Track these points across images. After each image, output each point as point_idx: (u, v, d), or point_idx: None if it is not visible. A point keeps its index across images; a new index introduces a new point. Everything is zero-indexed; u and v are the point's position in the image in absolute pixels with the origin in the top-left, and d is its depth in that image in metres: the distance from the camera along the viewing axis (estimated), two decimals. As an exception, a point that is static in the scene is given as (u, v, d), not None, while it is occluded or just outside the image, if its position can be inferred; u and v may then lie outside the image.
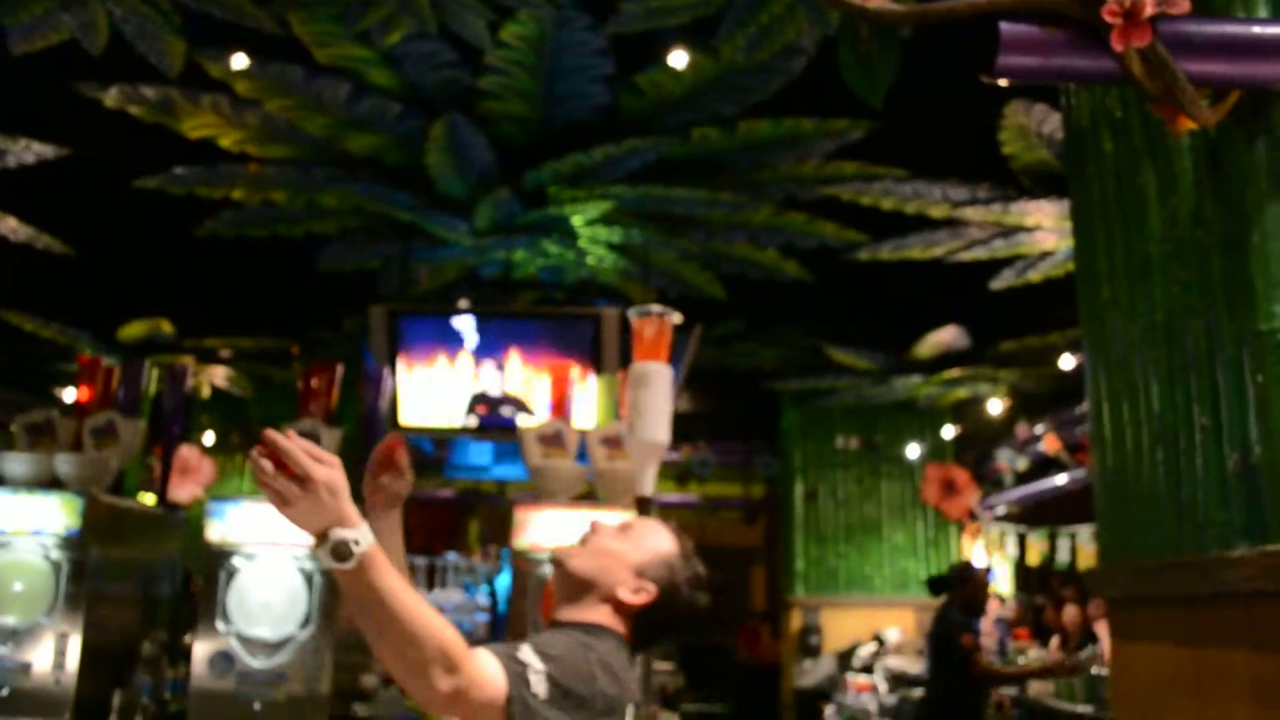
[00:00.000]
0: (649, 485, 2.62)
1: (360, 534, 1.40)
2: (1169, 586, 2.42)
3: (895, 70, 2.13)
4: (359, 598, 1.41)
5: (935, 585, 6.60)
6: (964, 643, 5.96)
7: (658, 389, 2.57)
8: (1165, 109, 2.12)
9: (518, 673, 1.52)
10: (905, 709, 6.97)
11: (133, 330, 8.83)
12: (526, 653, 1.56)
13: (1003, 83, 2.13)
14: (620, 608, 1.83)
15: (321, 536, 1.39)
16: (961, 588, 6.28)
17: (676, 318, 2.72)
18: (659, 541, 1.90)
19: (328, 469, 1.41)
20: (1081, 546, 8.11)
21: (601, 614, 1.83)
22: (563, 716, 1.57)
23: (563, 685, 1.57)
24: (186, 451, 9.09)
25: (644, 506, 2.58)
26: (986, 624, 7.62)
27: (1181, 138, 2.42)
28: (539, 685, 1.54)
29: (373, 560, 1.40)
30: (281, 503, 1.41)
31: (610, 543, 1.88)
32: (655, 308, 2.80)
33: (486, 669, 1.50)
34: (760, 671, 12.36)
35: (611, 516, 3.68)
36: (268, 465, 1.41)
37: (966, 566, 6.64)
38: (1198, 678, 2.32)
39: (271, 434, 1.42)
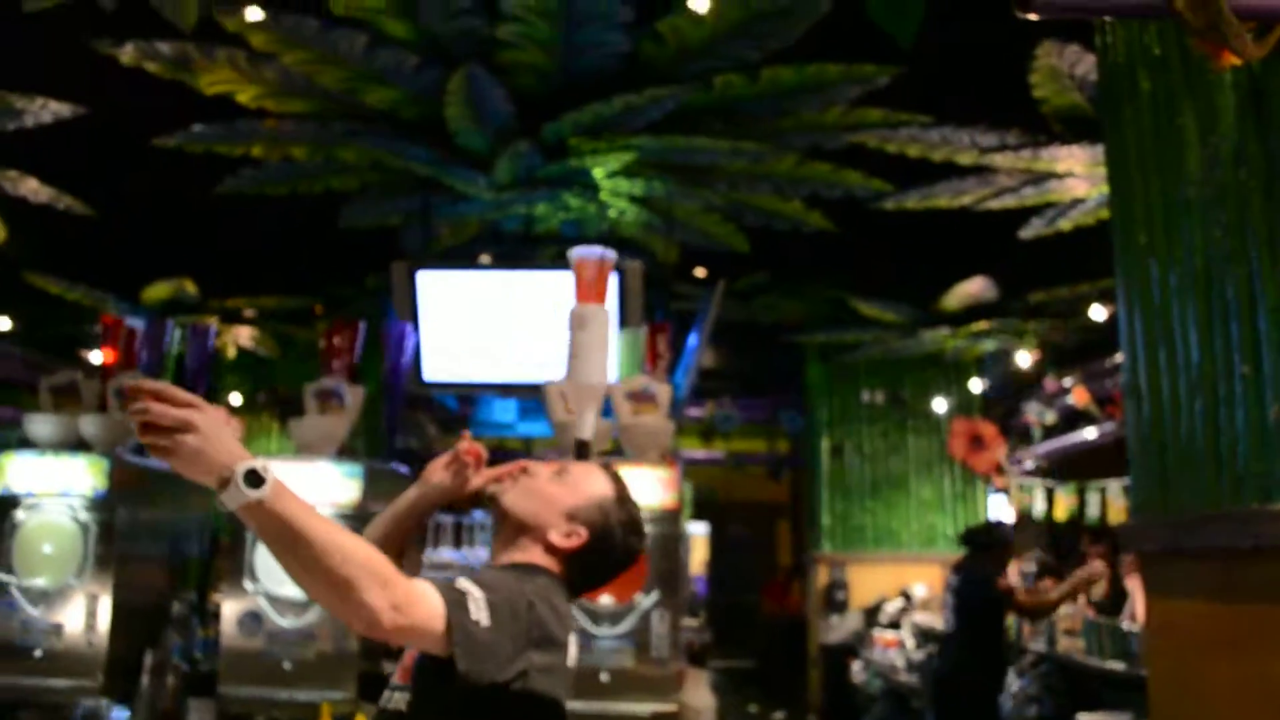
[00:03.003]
0: (589, 429, 2.59)
1: (260, 462, 1.36)
2: (1206, 539, 2.36)
3: (924, 6, 2.05)
4: (277, 530, 1.38)
5: (972, 539, 6.45)
6: (1002, 586, 5.95)
7: (596, 331, 2.54)
8: (1208, 43, 2.02)
9: (456, 600, 1.50)
10: (932, 664, 6.93)
11: (157, 291, 8.84)
12: (464, 583, 1.54)
13: (1033, 17, 2.04)
14: (552, 550, 1.83)
15: (225, 478, 1.36)
16: (1000, 549, 6.22)
17: (613, 256, 2.66)
18: (594, 485, 1.89)
19: (204, 412, 1.38)
20: (1111, 500, 8.03)
21: (534, 555, 1.83)
22: (504, 640, 1.55)
23: (502, 612, 1.55)
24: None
25: (582, 451, 2.56)
26: (1014, 577, 7.58)
27: (1224, 74, 2.33)
28: (479, 612, 1.51)
29: (283, 487, 1.37)
30: (170, 451, 1.37)
31: (544, 485, 1.87)
32: (595, 248, 2.74)
33: (421, 589, 1.48)
34: (786, 628, 12.40)
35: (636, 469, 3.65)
36: (144, 415, 1.35)
37: (1006, 529, 6.57)
38: (1235, 634, 2.26)
39: (136, 384, 1.37)
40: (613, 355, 2.61)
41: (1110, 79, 2.98)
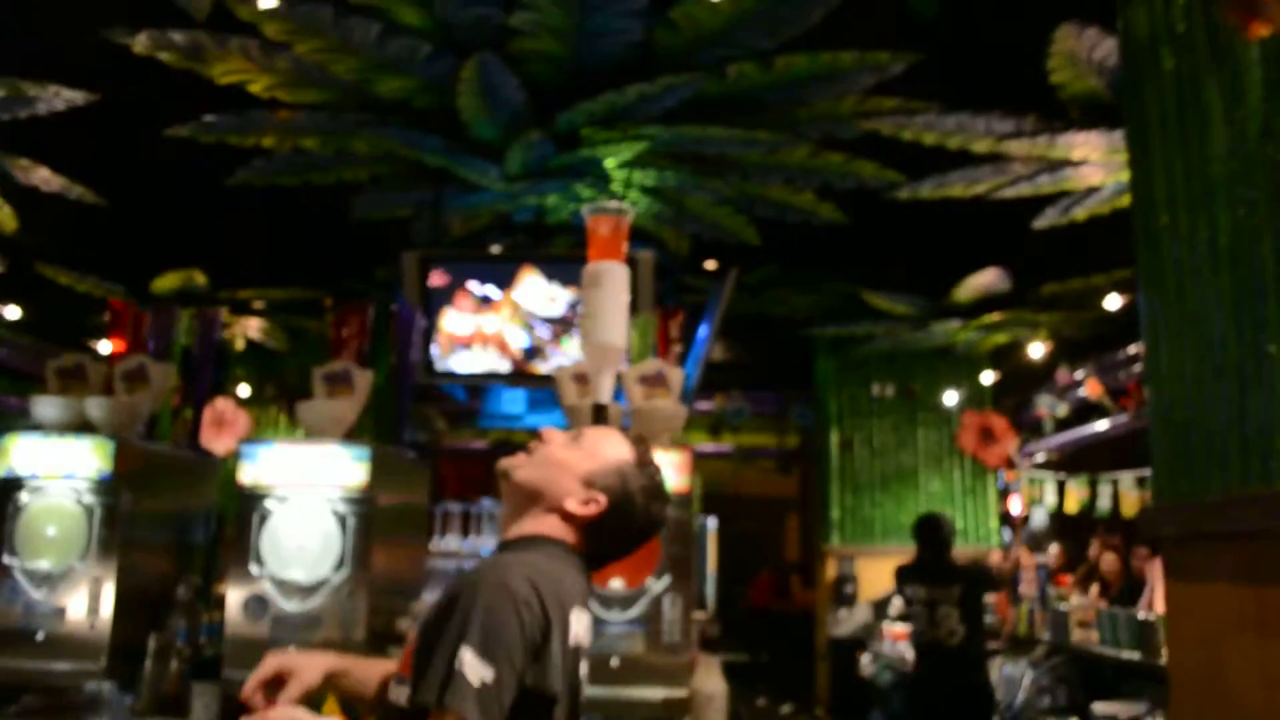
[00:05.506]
0: (606, 393, 2.54)
1: None
2: (1230, 523, 2.33)
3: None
4: None
5: (938, 540, 6.02)
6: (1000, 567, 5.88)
7: (612, 289, 2.48)
8: (1239, 13, 2.00)
9: (457, 691, 1.47)
10: (940, 675, 6.81)
11: (166, 282, 8.84)
12: (462, 659, 1.49)
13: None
14: (569, 519, 1.75)
15: None
16: (950, 542, 5.96)
17: (630, 211, 2.60)
18: (612, 450, 1.80)
19: (279, 712, 1.58)
20: (1124, 493, 7.98)
21: (548, 525, 1.76)
22: (511, 675, 1.52)
23: (496, 652, 1.50)
24: (222, 404, 9.13)
25: (600, 415, 2.51)
26: (1028, 571, 7.54)
27: (1250, 48, 2.29)
28: (477, 675, 1.48)
29: None
30: None
31: (559, 452, 1.79)
32: (610, 204, 2.69)
33: None
34: (794, 621, 12.38)
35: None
36: None
37: (949, 521, 6.22)
38: (1260, 617, 2.23)
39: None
40: (625, 316, 2.56)
41: (1132, 58, 2.95)
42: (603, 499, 1.76)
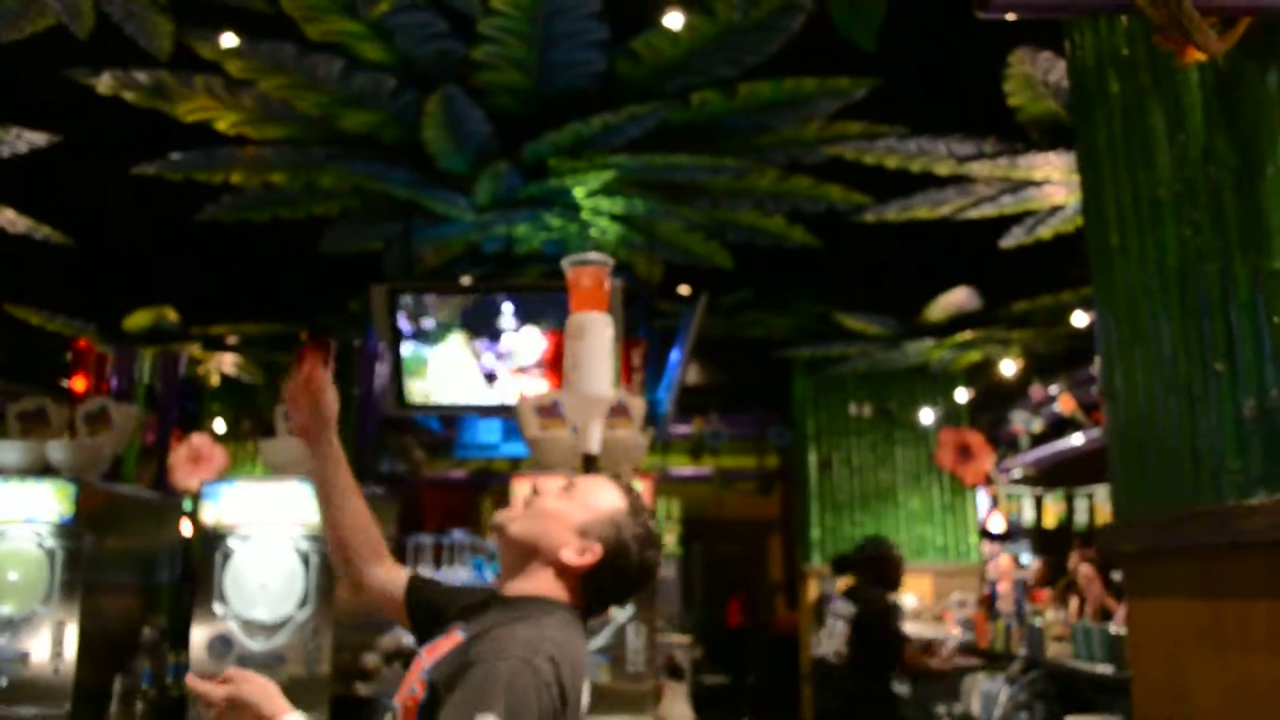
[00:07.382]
0: (595, 442, 2.54)
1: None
2: (1185, 539, 2.35)
3: (884, 10, 2.05)
4: None
5: (841, 565, 6.31)
6: (894, 632, 5.80)
7: (596, 339, 2.49)
8: (1171, 39, 2.02)
9: None
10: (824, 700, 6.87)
11: (138, 320, 8.78)
12: None
13: (983, 16, 2.04)
14: (565, 571, 1.75)
15: None
16: (874, 567, 6.03)
17: (610, 262, 2.60)
18: (605, 499, 1.81)
19: (227, 688, 1.64)
20: (1099, 506, 8.03)
21: (545, 582, 1.75)
22: None
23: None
24: (198, 439, 9.08)
25: (590, 465, 2.51)
26: (1003, 587, 7.56)
27: (1189, 70, 2.33)
28: None
29: None
30: None
31: (552, 503, 1.79)
32: (592, 255, 2.70)
33: None
34: (779, 642, 12.34)
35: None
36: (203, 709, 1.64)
37: (879, 543, 6.33)
38: (1216, 631, 2.25)
39: (190, 682, 1.67)
40: (611, 365, 2.56)
41: (1080, 82, 2.99)
42: (598, 549, 1.76)
